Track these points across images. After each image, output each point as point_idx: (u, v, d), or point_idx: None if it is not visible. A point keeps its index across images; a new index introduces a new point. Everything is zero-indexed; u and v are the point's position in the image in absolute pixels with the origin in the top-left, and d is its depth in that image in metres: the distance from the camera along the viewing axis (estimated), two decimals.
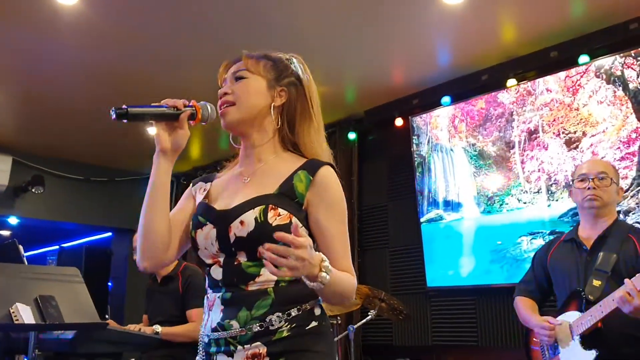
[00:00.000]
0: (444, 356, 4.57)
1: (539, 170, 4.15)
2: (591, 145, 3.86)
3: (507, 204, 4.31)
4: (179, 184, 7.35)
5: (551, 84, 4.10)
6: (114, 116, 1.40)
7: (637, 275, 2.14)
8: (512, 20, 3.91)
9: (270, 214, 1.38)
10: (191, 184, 1.65)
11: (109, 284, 7.14)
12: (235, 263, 1.41)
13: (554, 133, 4.07)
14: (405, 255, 4.91)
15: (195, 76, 4.33)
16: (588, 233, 2.51)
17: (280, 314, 1.37)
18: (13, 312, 2.19)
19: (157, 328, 3.23)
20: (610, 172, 2.51)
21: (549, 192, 4.08)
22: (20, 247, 2.74)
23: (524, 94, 4.26)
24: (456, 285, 4.50)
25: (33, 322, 2.24)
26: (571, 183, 2.64)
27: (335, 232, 1.43)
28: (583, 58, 3.91)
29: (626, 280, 2.14)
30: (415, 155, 4.87)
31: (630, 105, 3.70)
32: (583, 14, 3.76)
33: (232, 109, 1.50)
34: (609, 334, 2.27)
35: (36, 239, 8.59)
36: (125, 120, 1.42)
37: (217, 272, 1.44)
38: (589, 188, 2.46)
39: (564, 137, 4.01)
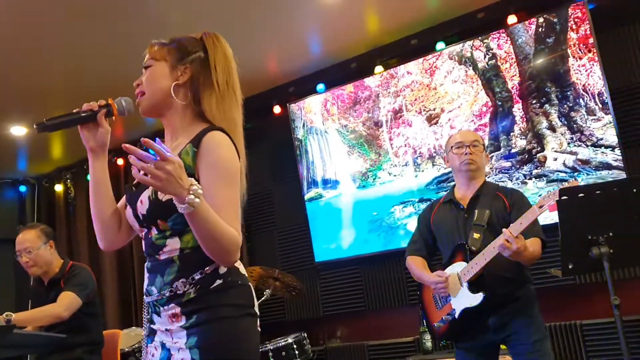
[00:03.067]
0: (334, 325, 4.91)
1: (405, 145, 4.60)
2: (449, 119, 4.37)
3: (380, 177, 4.72)
4: (41, 186, 6.97)
5: (411, 67, 4.55)
6: (36, 130, 1.55)
7: (512, 224, 2.52)
8: (376, 11, 4.26)
9: None
10: None
11: None
12: (149, 236, 1.59)
13: (416, 111, 4.53)
14: (292, 234, 5.16)
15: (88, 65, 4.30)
16: (462, 194, 2.86)
17: (184, 279, 1.52)
18: None
19: (9, 315, 3.03)
20: (481, 140, 2.89)
21: (416, 164, 4.54)
22: None
23: (387, 77, 4.68)
24: (341, 257, 4.84)
25: None
26: (445, 151, 2.95)
27: (217, 192, 1.48)
28: (440, 45, 4.40)
29: (504, 229, 2.49)
30: (294, 140, 5.12)
31: (480, 82, 4.24)
32: (438, 5, 4.21)
33: (143, 98, 1.66)
34: (489, 278, 2.63)
35: None
36: (48, 132, 1.57)
37: (143, 245, 1.64)
38: (466, 154, 2.79)
39: (425, 114, 4.49)
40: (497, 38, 4.16)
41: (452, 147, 2.87)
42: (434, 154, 4.44)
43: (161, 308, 1.55)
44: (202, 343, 1.48)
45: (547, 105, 3.97)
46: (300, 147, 5.10)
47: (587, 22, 3.81)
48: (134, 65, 1.92)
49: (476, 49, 4.25)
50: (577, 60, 3.86)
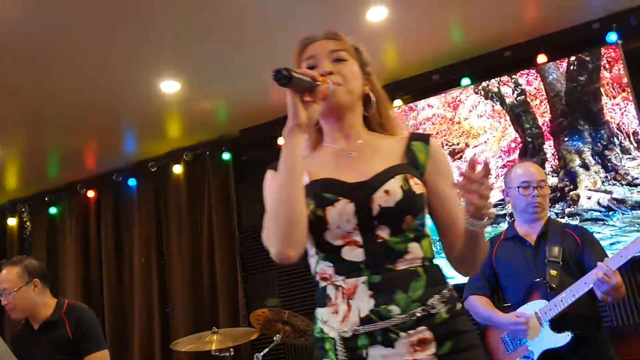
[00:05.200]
0: None
1: None
2: (475, 155, 4.24)
3: None
4: None
5: (432, 100, 4.42)
6: (277, 77, 1.29)
7: (608, 258, 2.40)
8: (395, 45, 4.14)
9: (411, 182, 1.37)
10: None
11: None
12: (379, 240, 1.33)
13: None
14: (294, 274, 4.79)
15: None
16: (526, 230, 2.72)
17: (438, 296, 1.31)
18: None
19: None
20: (546, 178, 2.79)
21: None
22: None
23: (405, 110, 4.52)
24: None
25: None
26: (507, 186, 2.81)
27: (455, 197, 1.43)
28: (465, 81, 4.30)
29: (599, 263, 2.37)
30: None
31: (508, 118, 4.16)
32: (461, 42, 4.13)
33: (341, 89, 1.45)
34: (573, 317, 2.48)
35: None
36: (283, 84, 1.30)
37: (354, 254, 1.33)
38: (533, 196, 2.66)
39: (448, 148, 4.35)
40: (526, 74, 4.12)
41: (518, 186, 2.72)
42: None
43: (401, 334, 1.26)
44: None
45: (579, 143, 3.94)
46: None
47: (621, 61, 3.83)
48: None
49: (504, 84, 4.19)
50: (610, 99, 3.87)
